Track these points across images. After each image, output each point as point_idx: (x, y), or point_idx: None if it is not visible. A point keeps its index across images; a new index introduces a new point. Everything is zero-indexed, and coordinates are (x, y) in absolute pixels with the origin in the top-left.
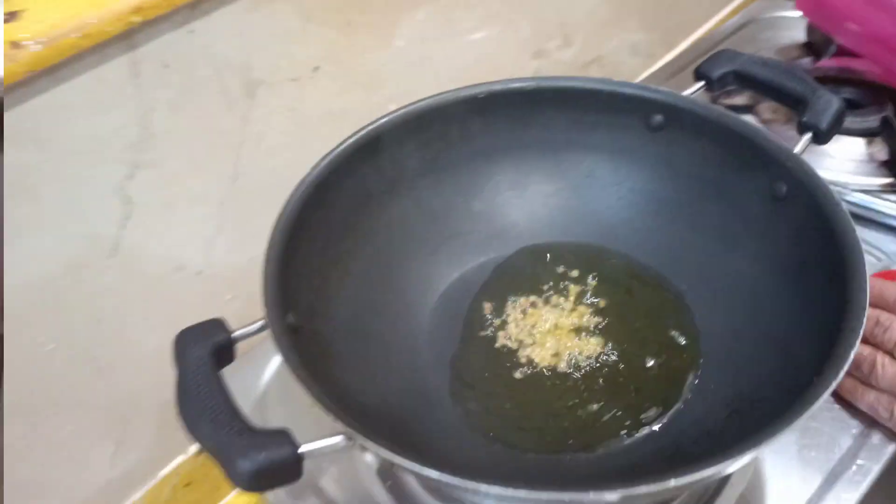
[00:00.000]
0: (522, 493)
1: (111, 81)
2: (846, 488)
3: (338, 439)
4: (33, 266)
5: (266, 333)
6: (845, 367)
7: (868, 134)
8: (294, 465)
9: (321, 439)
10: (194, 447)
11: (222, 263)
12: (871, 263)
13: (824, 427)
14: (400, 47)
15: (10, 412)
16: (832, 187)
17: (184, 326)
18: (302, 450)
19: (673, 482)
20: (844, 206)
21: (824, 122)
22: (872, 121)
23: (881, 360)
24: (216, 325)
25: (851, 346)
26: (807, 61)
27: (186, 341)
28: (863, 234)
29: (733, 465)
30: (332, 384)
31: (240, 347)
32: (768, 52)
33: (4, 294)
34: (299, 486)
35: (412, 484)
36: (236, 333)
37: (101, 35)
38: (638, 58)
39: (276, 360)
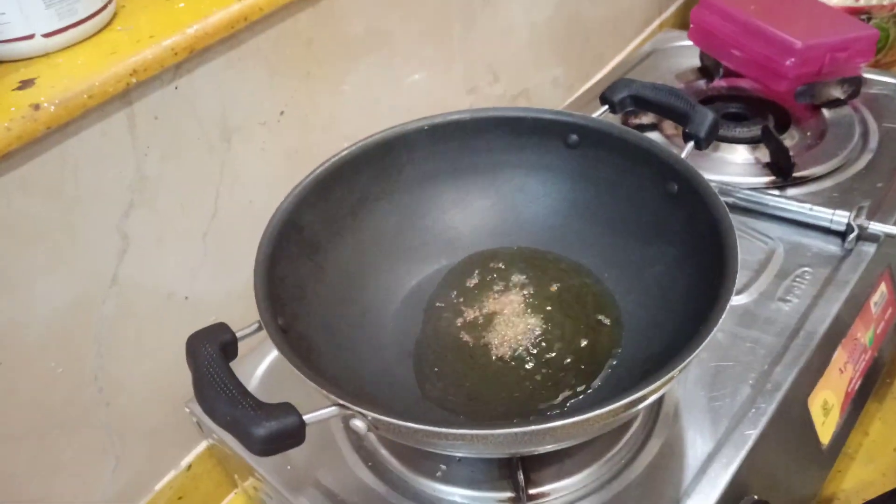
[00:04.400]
0: (463, 431)
1: (111, 134)
2: (748, 427)
3: (333, 409)
4: (46, 300)
5: (260, 337)
6: (723, 316)
7: (753, 141)
8: (299, 431)
9: (320, 410)
10: (185, 461)
11: (206, 290)
12: (757, 247)
13: (727, 381)
14: (351, 92)
15: (23, 433)
16: (712, 183)
17: (172, 352)
18: (306, 418)
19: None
20: (722, 197)
21: (702, 132)
22: (755, 130)
23: None
24: (221, 327)
25: (727, 300)
26: (701, 83)
27: (199, 340)
28: (752, 223)
29: (639, 403)
30: (319, 374)
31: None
32: (669, 77)
33: (23, 327)
34: (295, 481)
35: (390, 460)
36: (239, 333)
37: (103, 95)
38: (559, 89)
39: (262, 367)
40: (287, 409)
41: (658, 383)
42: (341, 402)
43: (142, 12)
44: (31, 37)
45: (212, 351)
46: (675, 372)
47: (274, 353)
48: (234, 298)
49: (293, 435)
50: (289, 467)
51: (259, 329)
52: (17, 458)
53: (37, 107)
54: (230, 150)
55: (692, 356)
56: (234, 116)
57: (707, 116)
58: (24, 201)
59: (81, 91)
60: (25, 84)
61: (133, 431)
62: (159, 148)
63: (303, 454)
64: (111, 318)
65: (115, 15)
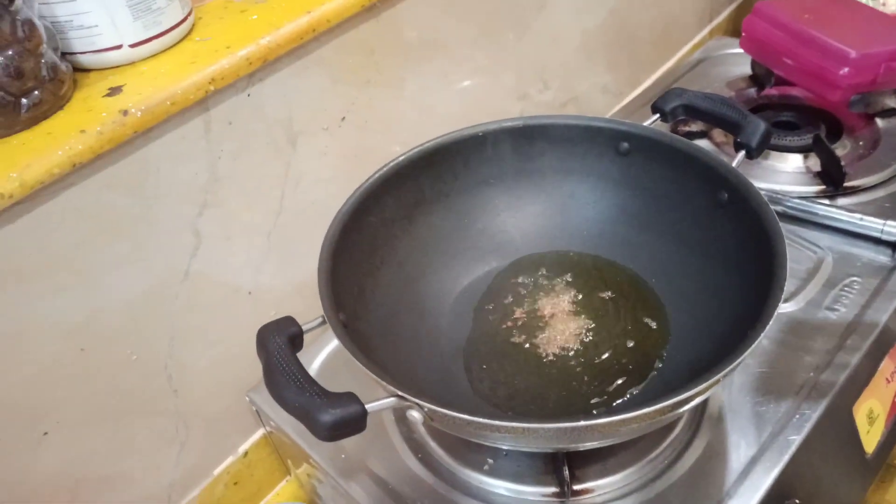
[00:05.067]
0: (514, 424)
1: (189, 137)
2: (792, 432)
3: (392, 400)
4: (126, 290)
5: (322, 332)
6: (770, 321)
7: (804, 150)
8: (361, 419)
9: (380, 400)
10: (242, 448)
11: (268, 285)
12: (806, 256)
13: (773, 386)
14: (408, 99)
15: (100, 417)
16: (762, 191)
17: (235, 343)
18: (368, 407)
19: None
20: (772, 206)
21: (754, 142)
22: (807, 139)
23: None
24: (289, 321)
25: (775, 306)
26: (752, 91)
27: (269, 332)
28: (802, 232)
29: (685, 404)
30: (377, 367)
31: None
32: (720, 84)
33: (105, 315)
34: (349, 468)
35: (438, 452)
36: (305, 326)
37: (185, 101)
38: (608, 96)
39: (320, 358)
40: (351, 398)
41: (702, 387)
42: (400, 393)
43: (218, 24)
44: (119, 47)
45: (281, 342)
46: (719, 376)
47: (330, 347)
48: (293, 294)
49: (356, 422)
50: (343, 455)
51: (323, 323)
52: (96, 439)
53: (125, 112)
54: (295, 153)
55: (737, 362)
56: (299, 121)
57: (759, 126)
58: (111, 198)
59: (165, 98)
60: (114, 91)
61: (197, 419)
62: (231, 151)
63: (356, 443)
64: (182, 311)
65: (193, 26)
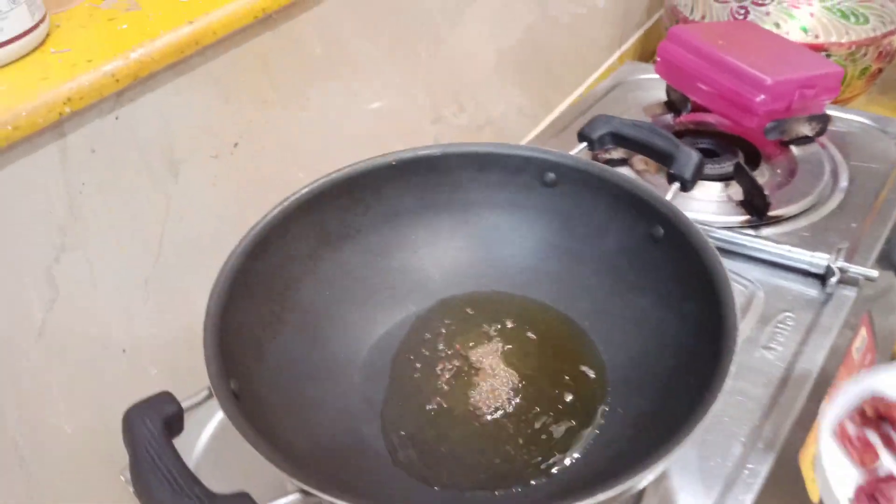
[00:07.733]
0: None
1: (41, 168)
2: (742, 490)
3: (296, 496)
4: None
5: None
6: (725, 382)
7: (724, 178)
8: None
9: (279, 498)
10: None
11: (146, 338)
12: (737, 290)
13: (718, 438)
14: (311, 119)
15: None
16: (700, 227)
17: (107, 410)
18: None
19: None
20: (712, 242)
21: (688, 173)
22: (727, 167)
23: None
24: (165, 398)
25: (729, 362)
26: (668, 117)
27: (138, 414)
28: (728, 265)
29: (644, 480)
30: (274, 440)
31: None
32: (636, 110)
33: None
34: None
35: None
36: (185, 403)
37: (31, 126)
38: (523, 119)
39: (210, 427)
40: (242, 501)
41: (652, 467)
42: (306, 488)
43: (80, 33)
44: None
45: (153, 428)
46: (662, 462)
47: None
48: (179, 347)
49: None
50: None
51: (209, 397)
52: None
53: None
54: (177, 184)
55: (685, 440)
56: (182, 148)
57: (692, 157)
58: None
59: (5, 122)
60: None
61: (56, 500)
62: (96, 183)
63: None
64: (36, 374)
65: (48, 35)
